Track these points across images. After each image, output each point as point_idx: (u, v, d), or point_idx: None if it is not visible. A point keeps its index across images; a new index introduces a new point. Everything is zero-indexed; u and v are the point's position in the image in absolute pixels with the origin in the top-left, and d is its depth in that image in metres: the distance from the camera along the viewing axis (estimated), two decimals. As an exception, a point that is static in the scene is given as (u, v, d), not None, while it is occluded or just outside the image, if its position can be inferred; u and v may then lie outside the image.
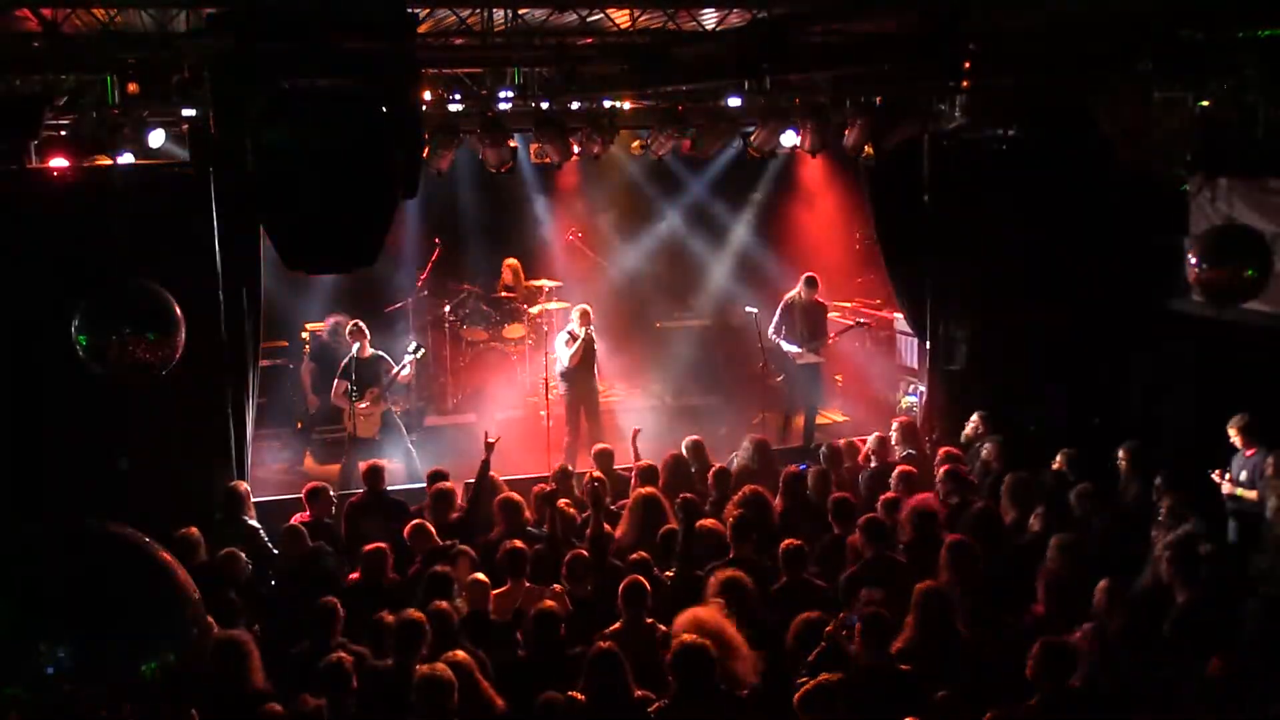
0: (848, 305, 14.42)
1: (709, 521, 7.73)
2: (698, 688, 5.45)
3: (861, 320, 12.94)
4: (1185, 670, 5.81)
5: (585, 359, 11.77)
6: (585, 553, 7.29)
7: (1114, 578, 6.47)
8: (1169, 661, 6.06)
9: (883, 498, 8.34)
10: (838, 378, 13.40)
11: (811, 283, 12.06)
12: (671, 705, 5.49)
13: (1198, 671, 5.57)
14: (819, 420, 12.52)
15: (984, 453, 9.33)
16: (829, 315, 12.60)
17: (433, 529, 7.95)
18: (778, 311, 12.15)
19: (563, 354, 11.74)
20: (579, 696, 5.58)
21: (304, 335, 12.71)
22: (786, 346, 12.00)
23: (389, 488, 9.17)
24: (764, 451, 9.58)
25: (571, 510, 8.45)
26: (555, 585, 7.17)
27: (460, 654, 5.80)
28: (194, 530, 7.69)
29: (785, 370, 12.07)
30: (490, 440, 8.85)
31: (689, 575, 7.23)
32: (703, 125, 10.42)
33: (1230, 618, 6.29)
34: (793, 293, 12.17)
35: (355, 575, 7.60)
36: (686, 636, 5.60)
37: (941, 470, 8.76)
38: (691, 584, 7.04)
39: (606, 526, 7.76)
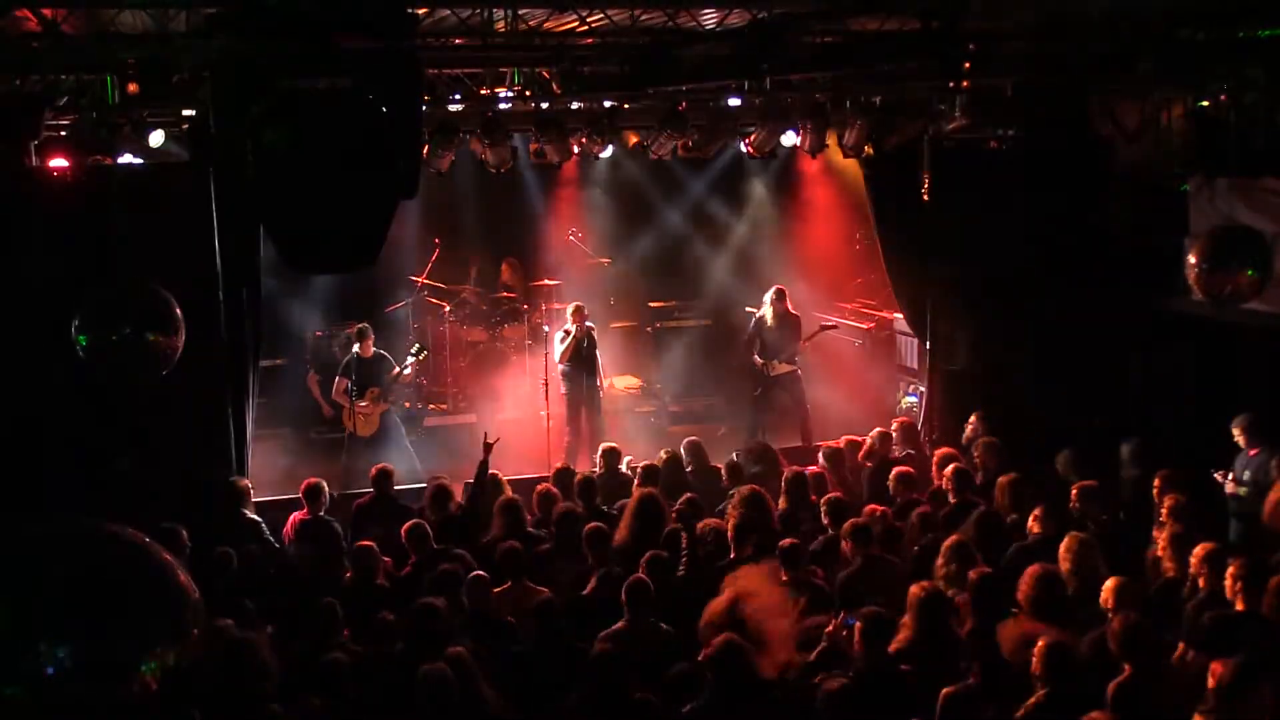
0: (846, 306, 14.43)
1: (712, 521, 7.74)
2: (734, 687, 5.42)
3: (828, 325, 12.93)
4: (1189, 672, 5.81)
5: (582, 356, 11.78)
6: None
7: (1121, 578, 6.46)
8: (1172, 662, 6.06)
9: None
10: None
11: (780, 295, 12.08)
12: (706, 705, 5.46)
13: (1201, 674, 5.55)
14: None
15: (977, 454, 9.31)
16: (811, 321, 12.58)
17: (430, 531, 7.95)
18: (749, 328, 12.14)
19: (557, 350, 11.80)
20: None
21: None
22: (758, 359, 11.96)
23: (386, 488, 9.16)
24: (766, 454, 9.59)
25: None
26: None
27: (459, 650, 5.80)
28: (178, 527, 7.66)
29: (762, 383, 12.04)
30: (489, 441, 8.88)
31: (696, 576, 7.22)
32: (703, 125, 10.41)
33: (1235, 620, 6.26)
34: (762, 310, 12.14)
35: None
36: (725, 635, 5.57)
37: (948, 470, 8.72)
38: (700, 584, 7.03)
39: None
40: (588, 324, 11.81)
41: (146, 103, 8.24)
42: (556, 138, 9.92)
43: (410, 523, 7.94)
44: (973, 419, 10.02)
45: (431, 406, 13.23)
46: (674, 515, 7.97)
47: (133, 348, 7.12)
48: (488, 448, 8.86)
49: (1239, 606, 6.27)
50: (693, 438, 9.77)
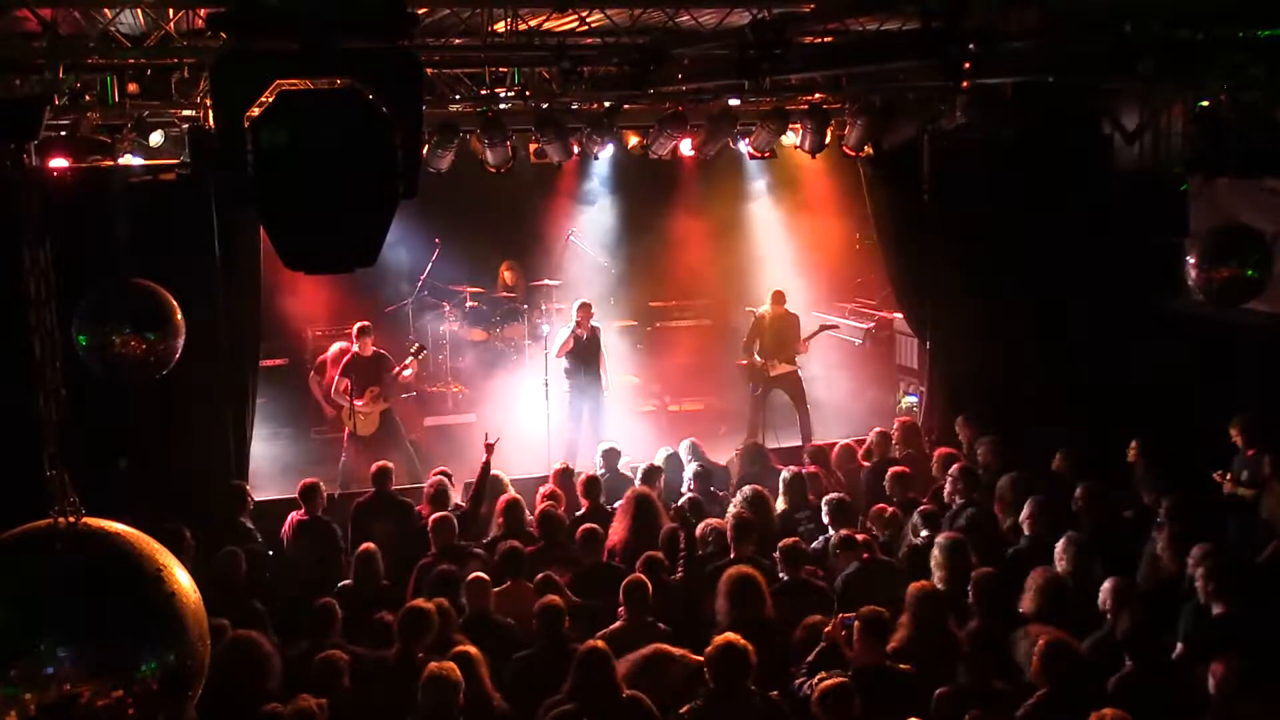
0: (846, 306, 14.42)
1: (713, 521, 7.74)
2: (735, 689, 5.42)
3: (828, 325, 12.94)
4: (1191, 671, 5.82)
5: (585, 354, 11.78)
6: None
7: (1120, 578, 6.46)
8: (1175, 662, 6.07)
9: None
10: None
11: (779, 298, 12.12)
12: (706, 706, 5.45)
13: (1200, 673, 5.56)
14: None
15: (981, 452, 9.31)
16: (811, 321, 12.61)
17: (456, 524, 7.94)
18: (749, 328, 12.16)
19: (555, 344, 11.82)
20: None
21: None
22: (758, 359, 11.99)
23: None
24: (758, 455, 9.60)
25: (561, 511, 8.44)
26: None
27: (468, 647, 5.81)
28: (182, 527, 7.66)
29: (761, 383, 12.05)
30: (489, 442, 8.88)
31: (694, 575, 7.24)
32: (703, 125, 10.41)
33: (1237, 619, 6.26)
34: (762, 309, 12.18)
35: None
36: (728, 636, 5.57)
37: (952, 469, 8.72)
38: (696, 583, 7.04)
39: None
40: (593, 324, 11.83)
41: (146, 103, 8.24)
42: (556, 138, 9.92)
43: (437, 517, 7.95)
44: (959, 425, 10.03)
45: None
46: (671, 515, 7.98)
47: (132, 348, 7.12)
48: (489, 448, 8.86)
49: (1206, 599, 6.28)
50: (692, 438, 9.78)
